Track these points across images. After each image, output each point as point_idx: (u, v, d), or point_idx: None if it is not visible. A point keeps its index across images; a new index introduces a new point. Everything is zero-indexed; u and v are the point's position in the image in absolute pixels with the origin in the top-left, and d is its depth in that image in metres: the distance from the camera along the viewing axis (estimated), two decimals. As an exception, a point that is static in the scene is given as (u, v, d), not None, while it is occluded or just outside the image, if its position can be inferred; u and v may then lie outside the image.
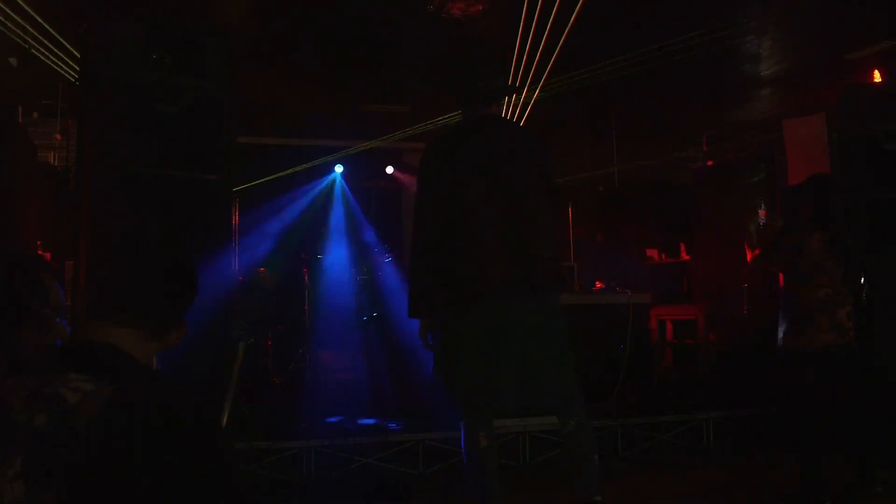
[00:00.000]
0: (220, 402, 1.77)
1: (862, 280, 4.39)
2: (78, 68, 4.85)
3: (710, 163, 8.84)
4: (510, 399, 3.16)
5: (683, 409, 5.59)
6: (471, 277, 3.14)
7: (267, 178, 8.39)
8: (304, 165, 8.37)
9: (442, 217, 3.20)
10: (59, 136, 6.87)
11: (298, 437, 4.78)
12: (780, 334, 4.02)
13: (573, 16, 5.61)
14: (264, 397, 6.22)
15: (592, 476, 3.14)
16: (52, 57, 5.72)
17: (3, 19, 5.25)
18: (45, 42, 5.61)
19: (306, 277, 7.55)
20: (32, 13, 5.25)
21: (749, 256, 4.24)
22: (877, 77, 6.25)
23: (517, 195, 3.20)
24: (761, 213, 4.23)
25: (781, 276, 4.17)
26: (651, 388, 6.15)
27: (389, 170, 9.58)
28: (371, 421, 5.43)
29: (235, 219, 7.73)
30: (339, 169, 9.29)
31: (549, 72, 6.32)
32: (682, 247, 8.54)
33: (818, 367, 3.89)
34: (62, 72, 5.84)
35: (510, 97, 3.49)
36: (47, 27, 5.42)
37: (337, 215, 9.37)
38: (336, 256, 8.49)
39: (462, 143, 3.29)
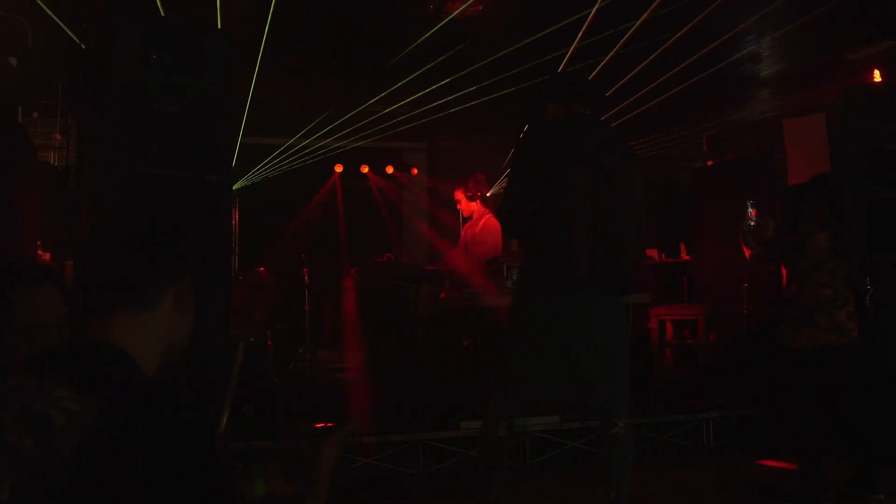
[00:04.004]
0: (220, 404, 1.76)
1: (867, 281, 4.35)
2: (78, 68, 4.85)
3: (710, 163, 8.83)
4: (560, 393, 3.20)
5: (683, 409, 5.59)
6: (559, 268, 3.10)
7: (267, 178, 8.39)
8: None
9: (534, 204, 3.16)
10: (59, 136, 6.86)
11: (298, 437, 4.77)
12: (780, 331, 4.02)
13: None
14: (264, 397, 6.21)
15: (626, 483, 3.13)
16: (52, 56, 5.71)
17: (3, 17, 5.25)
18: (46, 41, 5.60)
19: (306, 277, 7.55)
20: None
21: (747, 254, 4.24)
22: (877, 77, 6.24)
23: (610, 190, 3.18)
24: (751, 212, 4.22)
25: (784, 274, 4.16)
26: (651, 388, 6.15)
27: (389, 170, 9.59)
28: (371, 421, 5.41)
29: (235, 219, 7.74)
30: (339, 169, 9.30)
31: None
32: (682, 247, 8.53)
33: (816, 366, 3.89)
34: (62, 72, 5.83)
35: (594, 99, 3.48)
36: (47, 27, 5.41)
37: (337, 215, 9.39)
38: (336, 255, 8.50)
39: (558, 134, 3.26)
